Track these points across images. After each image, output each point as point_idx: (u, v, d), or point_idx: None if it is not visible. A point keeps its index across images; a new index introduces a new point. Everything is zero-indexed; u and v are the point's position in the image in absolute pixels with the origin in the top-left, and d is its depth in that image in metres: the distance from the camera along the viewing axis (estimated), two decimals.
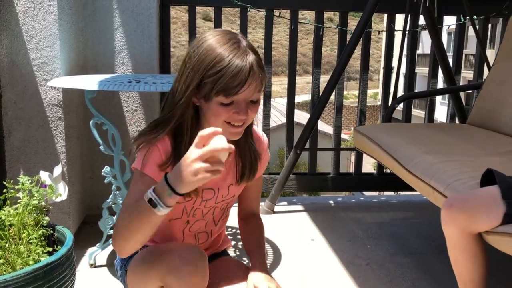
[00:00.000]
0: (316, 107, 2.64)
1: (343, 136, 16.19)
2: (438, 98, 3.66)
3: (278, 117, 15.48)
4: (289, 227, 2.51)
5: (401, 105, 2.98)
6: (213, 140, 0.96)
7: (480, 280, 1.36)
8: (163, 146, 1.16)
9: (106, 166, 1.92)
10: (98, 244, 1.99)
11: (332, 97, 2.79)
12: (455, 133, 2.21)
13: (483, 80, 2.50)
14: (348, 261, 2.13)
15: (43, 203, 1.48)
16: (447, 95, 2.94)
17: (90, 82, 1.73)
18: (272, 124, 12.21)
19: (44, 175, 1.53)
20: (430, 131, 2.24)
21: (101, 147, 1.90)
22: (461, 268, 1.37)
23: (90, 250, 2.02)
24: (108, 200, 1.94)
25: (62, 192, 1.54)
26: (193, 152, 0.97)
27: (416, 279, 1.97)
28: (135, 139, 1.18)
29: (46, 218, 1.46)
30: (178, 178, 0.98)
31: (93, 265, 1.98)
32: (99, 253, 1.99)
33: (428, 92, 2.79)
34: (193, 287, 1.13)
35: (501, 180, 1.30)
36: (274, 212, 2.69)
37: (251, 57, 1.09)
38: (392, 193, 3.97)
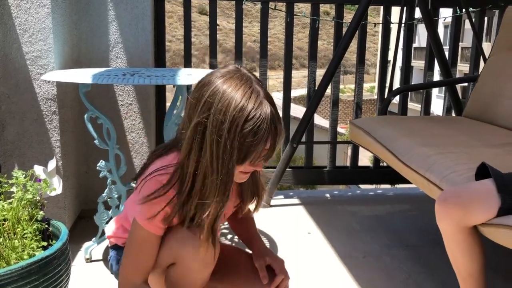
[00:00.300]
0: (312, 100, 2.63)
1: (340, 130, 16.19)
2: (435, 92, 3.66)
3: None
4: (286, 221, 2.51)
5: (397, 98, 2.97)
6: None
7: (479, 274, 1.36)
8: (166, 199, 1.16)
9: (101, 160, 1.91)
10: (93, 238, 1.99)
11: (329, 91, 2.79)
12: (451, 125, 2.21)
13: (479, 73, 2.49)
14: (344, 254, 2.13)
15: (38, 198, 1.47)
16: (443, 89, 2.93)
17: (84, 75, 1.72)
18: None
19: (38, 170, 1.52)
20: (425, 124, 2.24)
21: (96, 141, 1.89)
22: (459, 262, 1.37)
23: (86, 244, 2.01)
24: (104, 195, 1.94)
25: (56, 186, 1.53)
26: None
27: (413, 272, 1.97)
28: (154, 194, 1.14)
29: (41, 212, 1.45)
30: None
31: (89, 260, 1.97)
32: (95, 248, 1.99)
33: (424, 84, 2.78)
34: (208, 255, 1.19)
35: (495, 173, 1.29)
36: (271, 206, 2.68)
37: (273, 113, 1.08)
38: (388, 186, 3.97)
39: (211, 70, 1.16)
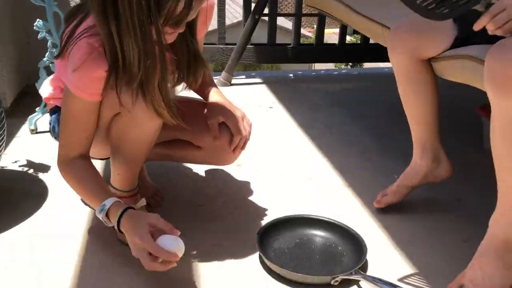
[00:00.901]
0: None
1: (306, 33, 15.80)
2: None
3: (239, 13, 14.89)
4: (247, 97, 2.40)
5: None
6: (167, 242, 1.01)
7: (433, 118, 1.29)
8: (101, 65, 1.02)
9: (38, 19, 1.70)
10: (37, 108, 1.84)
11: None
12: None
13: None
14: (307, 125, 2.07)
15: None
16: None
17: None
18: (234, 20, 11.68)
19: None
20: None
21: None
22: (411, 103, 1.30)
23: (30, 116, 1.86)
24: (45, 59, 1.76)
25: None
26: (144, 239, 1.01)
27: (370, 139, 1.96)
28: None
29: None
30: (126, 236, 1.05)
31: (34, 131, 1.84)
32: (40, 118, 1.84)
33: None
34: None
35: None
36: (232, 84, 2.56)
37: None
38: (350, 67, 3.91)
39: None
